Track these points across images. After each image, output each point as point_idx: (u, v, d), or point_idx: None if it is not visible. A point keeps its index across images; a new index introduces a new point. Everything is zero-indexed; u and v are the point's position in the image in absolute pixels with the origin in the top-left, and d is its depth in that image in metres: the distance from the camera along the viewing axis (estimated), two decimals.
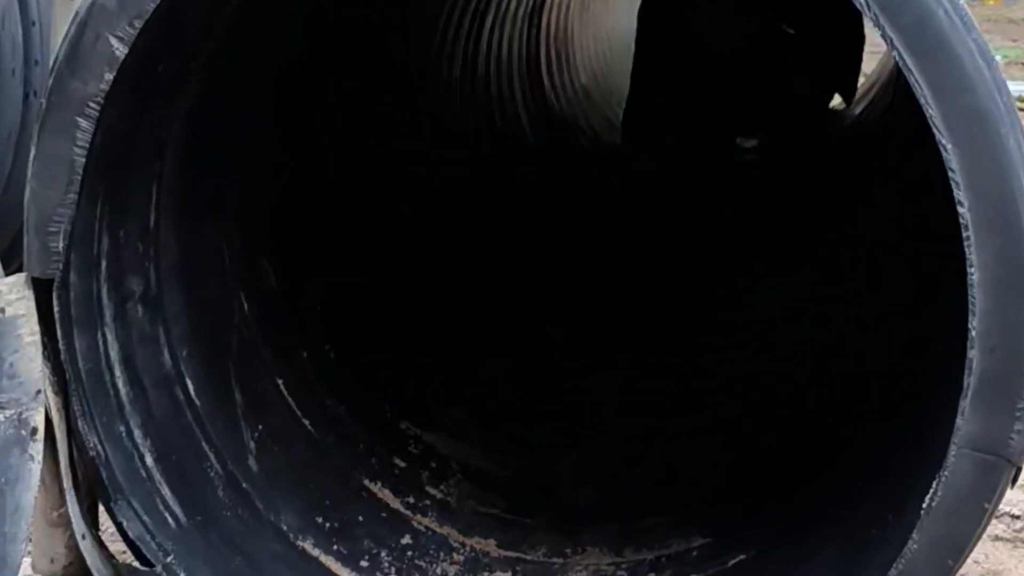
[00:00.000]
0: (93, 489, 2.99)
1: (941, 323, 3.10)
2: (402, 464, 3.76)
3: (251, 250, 3.56)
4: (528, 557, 3.53)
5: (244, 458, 3.32)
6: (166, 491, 3.05)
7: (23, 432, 2.82)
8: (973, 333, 2.56)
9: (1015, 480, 2.65)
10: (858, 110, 7.28)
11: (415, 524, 3.57)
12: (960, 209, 2.53)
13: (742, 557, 3.31)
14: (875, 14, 2.52)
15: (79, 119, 2.78)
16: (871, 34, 11.08)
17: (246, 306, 3.50)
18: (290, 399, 3.58)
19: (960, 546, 2.64)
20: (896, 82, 6.01)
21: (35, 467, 2.83)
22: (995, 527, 4.16)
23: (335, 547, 3.35)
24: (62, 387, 2.92)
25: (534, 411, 4.33)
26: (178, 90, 3.07)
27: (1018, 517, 4.20)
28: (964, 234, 2.53)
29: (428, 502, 3.65)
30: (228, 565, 3.08)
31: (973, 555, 3.96)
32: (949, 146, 2.51)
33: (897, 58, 2.53)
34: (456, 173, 5.24)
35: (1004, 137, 2.50)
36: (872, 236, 4.95)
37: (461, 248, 4.96)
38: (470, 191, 5.34)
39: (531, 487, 3.87)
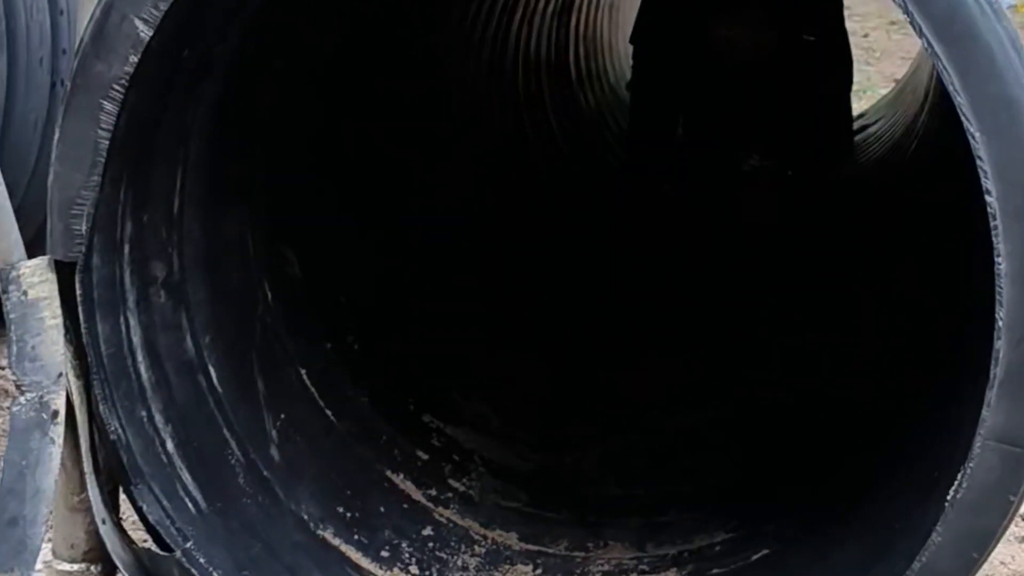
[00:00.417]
0: (114, 474, 2.99)
1: (969, 315, 3.07)
2: (424, 456, 3.75)
3: (275, 239, 3.55)
4: (550, 551, 3.51)
5: (266, 446, 3.31)
6: (187, 477, 3.04)
7: (44, 415, 2.82)
8: (1000, 324, 2.53)
9: None
10: (880, 120, 7.26)
11: (437, 516, 3.56)
12: (988, 198, 2.50)
13: (765, 552, 3.29)
14: (904, 1, 2.50)
15: (103, 101, 2.77)
16: (901, 39, 11.08)
17: (270, 295, 3.50)
18: (313, 389, 3.57)
19: (985, 539, 2.62)
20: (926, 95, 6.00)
21: (56, 450, 2.82)
22: (1021, 528, 4.13)
23: (356, 537, 3.34)
24: (84, 371, 2.91)
25: (558, 406, 4.32)
26: (204, 75, 3.06)
27: None
28: (992, 223, 2.51)
29: (450, 494, 3.64)
30: (248, 552, 3.07)
31: (1000, 556, 3.96)
32: (977, 134, 2.49)
33: (926, 46, 2.51)
34: (482, 168, 5.23)
35: None
36: (898, 231, 4.93)
37: (487, 242, 4.95)
38: (496, 186, 5.33)
39: (554, 481, 3.86)
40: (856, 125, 6.87)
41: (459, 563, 3.43)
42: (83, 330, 2.90)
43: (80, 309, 2.89)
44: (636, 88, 6.20)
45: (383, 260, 4.14)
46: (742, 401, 4.23)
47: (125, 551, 2.96)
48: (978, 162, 2.50)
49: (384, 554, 3.35)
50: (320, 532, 3.28)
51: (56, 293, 2.85)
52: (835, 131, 6.16)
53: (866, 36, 11.29)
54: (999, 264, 2.51)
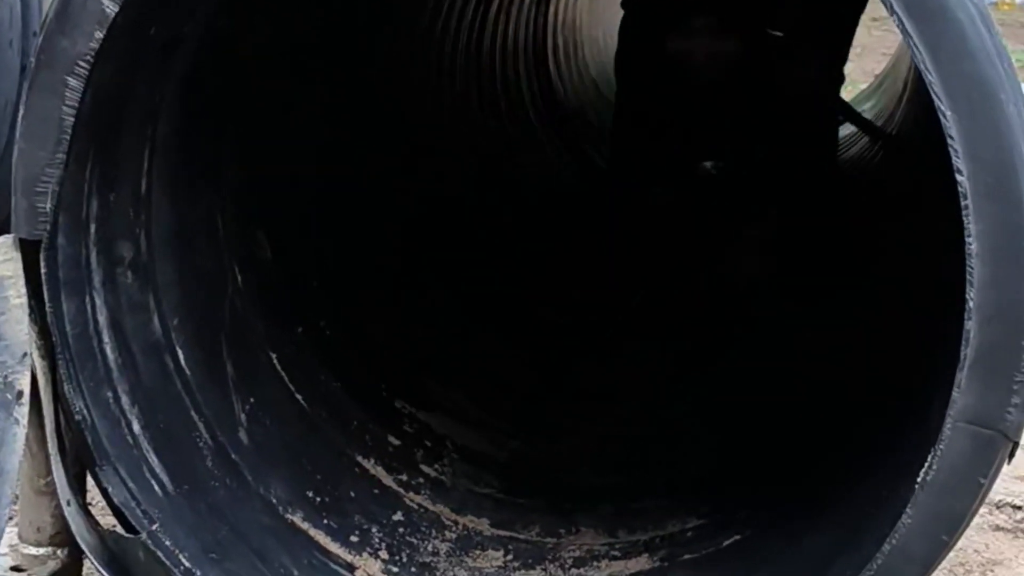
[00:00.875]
0: (79, 455, 2.96)
1: (944, 301, 3.06)
2: (396, 442, 3.72)
3: (246, 221, 3.52)
4: (521, 536, 3.49)
5: (235, 430, 3.28)
6: (153, 458, 3.01)
7: (8, 395, 2.79)
8: (971, 304, 2.51)
9: (1012, 455, 2.61)
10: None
11: (407, 501, 3.54)
12: (959, 177, 2.48)
13: (737, 537, 3.28)
14: None
15: (68, 78, 2.74)
16: (882, 35, 11.07)
17: (240, 278, 3.47)
18: (283, 373, 3.55)
19: (955, 521, 2.60)
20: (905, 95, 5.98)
21: (20, 431, 2.79)
22: (996, 517, 4.12)
23: (325, 521, 3.32)
24: (49, 351, 2.88)
25: (533, 393, 4.30)
26: (173, 52, 3.03)
27: (1019, 507, 4.16)
28: (963, 203, 2.49)
29: (421, 480, 3.62)
30: (215, 535, 3.04)
31: (973, 545, 3.95)
32: (948, 113, 2.47)
33: (897, 23, 2.49)
34: (462, 155, 5.21)
35: (1004, 103, 2.45)
36: (874, 221, 4.92)
37: (463, 230, 4.92)
38: (476, 175, 5.31)
39: (527, 468, 3.84)
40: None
41: (430, 548, 3.40)
42: (48, 310, 2.87)
43: (45, 288, 2.86)
44: (617, 111, 6.11)
45: (358, 244, 4.11)
46: (717, 390, 4.21)
47: (90, 533, 2.93)
48: (949, 141, 2.48)
49: (353, 539, 3.33)
50: (289, 516, 3.26)
51: (21, 272, 2.82)
52: (815, 127, 6.06)
53: None
54: (970, 244, 2.49)
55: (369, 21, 4.25)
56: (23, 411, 2.80)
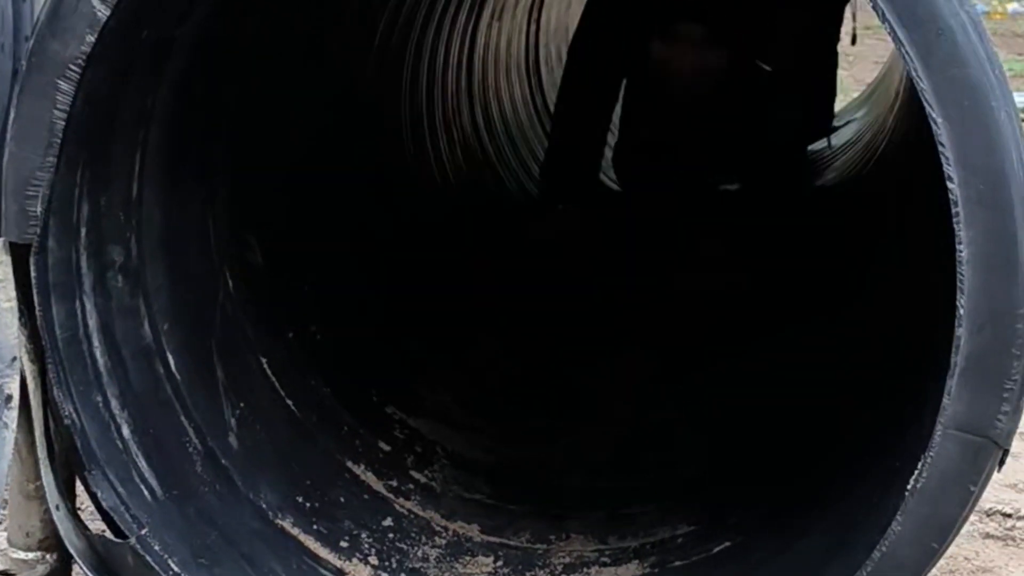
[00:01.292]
0: (69, 459, 2.95)
1: (935, 309, 3.06)
2: (386, 448, 3.72)
3: (238, 225, 3.52)
4: (511, 543, 3.49)
5: (224, 435, 3.27)
6: (142, 463, 3.00)
7: None
8: (961, 311, 2.51)
9: (1002, 463, 2.61)
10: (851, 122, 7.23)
11: (397, 507, 3.53)
12: (950, 184, 2.49)
13: (727, 544, 3.28)
14: None
15: (59, 81, 2.74)
16: (874, 44, 11.08)
17: (231, 283, 3.46)
18: (274, 378, 3.54)
19: (945, 528, 2.60)
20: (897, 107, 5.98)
21: (9, 435, 2.80)
22: (986, 525, 4.12)
23: (315, 527, 3.31)
24: (38, 355, 2.88)
25: (523, 399, 4.30)
26: (165, 57, 3.02)
27: (1009, 515, 4.16)
28: (953, 210, 2.49)
29: (412, 486, 3.62)
30: (204, 540, 3.04)
31: (964, 552, 3.95)
32: (939, 119, 2.47)
33: (888, 31, 2.49)
34: (452, 159, 5.21)
35: (995, 110, 2.46)
36: (866, 230, 4.92)
37: (455, 235, 4.92)
38: (465, 179, 5.31)
39: (517, 474, 3.84)
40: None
41: (419, 554, 3.40)
42: (38, 313, 2.86)
43: (35, 292, 2.86)
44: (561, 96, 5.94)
45: (347, 250, 4.11)
46: (708, 396, 4.21)
47: (79, 537, 2.93)
48: (940, 148, 2.48)
49: (343, 544, 3.32)
50: (278, 521, 3.25)
51: (10, 275, 2.82)
52: (785, 168, 6.00)
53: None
54: (960, 251, 2.50)
55: (361, 27, 4.25)
56: (12, 415, 2.81)
